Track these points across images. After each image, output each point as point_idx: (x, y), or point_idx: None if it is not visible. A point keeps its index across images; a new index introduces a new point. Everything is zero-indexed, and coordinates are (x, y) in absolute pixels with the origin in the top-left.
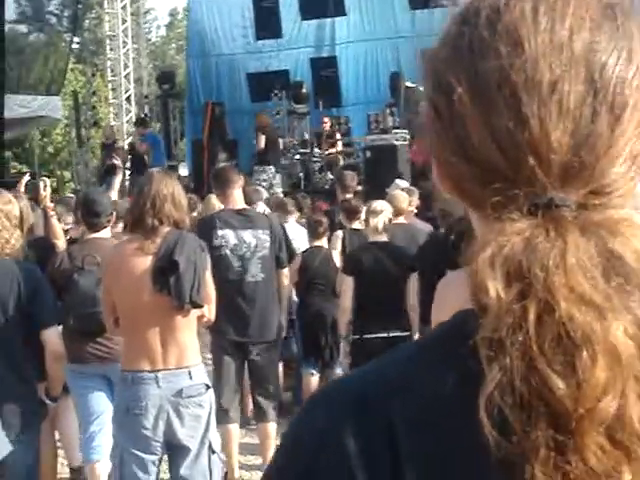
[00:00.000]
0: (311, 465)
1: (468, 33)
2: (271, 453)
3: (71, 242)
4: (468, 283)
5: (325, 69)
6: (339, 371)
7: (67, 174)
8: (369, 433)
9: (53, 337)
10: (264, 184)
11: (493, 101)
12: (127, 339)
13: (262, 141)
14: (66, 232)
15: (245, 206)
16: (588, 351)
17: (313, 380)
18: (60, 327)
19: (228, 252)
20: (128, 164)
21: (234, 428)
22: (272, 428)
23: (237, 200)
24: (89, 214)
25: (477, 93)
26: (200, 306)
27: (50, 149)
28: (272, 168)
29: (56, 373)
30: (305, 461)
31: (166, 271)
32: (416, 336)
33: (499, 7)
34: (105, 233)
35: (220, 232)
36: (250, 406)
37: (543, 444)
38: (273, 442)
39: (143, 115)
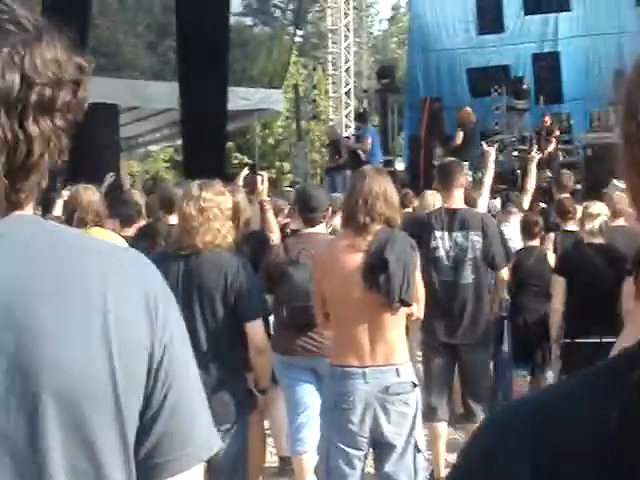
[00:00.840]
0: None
1: None
2: None
3: (288, 235)
4: None
5: (547, 64)
6: (550, 374)
7: (286, 166)
8: (541, 464)
9: (257, 331)
10: None
11: None
12: (336, 334)
13: (460, 137)
14: (285, 225)
15: (462, 206)
16: None
17: (524, 382)
18: (271, 319)
19: (442, 254)
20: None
21: (442, 426)
22: None
23: (456, 200)
24: (306, 209)
25: None
26: (409, 304)
27: (271, 141)
28: (466, 164)
29: (262, 366)
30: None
31: (376, 268)
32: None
33: None
34: (321, 228)
35: (437, 233)
36: (459, 405)
37: None
38: None
39: (362, 110)
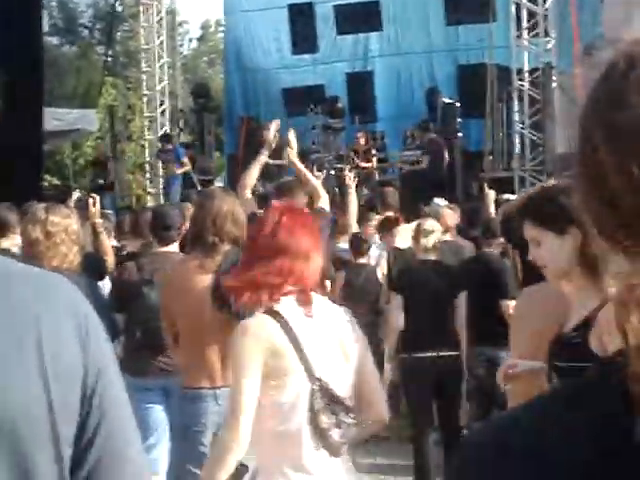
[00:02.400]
0: None
1: (606, 85)
2: None
3: (129, 257)
4: (615, 319)
5: (360, 84)
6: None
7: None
8: None
9: None
10: None
11: (629, 150)
12: (187, 355)
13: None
14: (121, 248)
15: None
16: None
17: None
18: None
19: None
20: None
21: None
22: None
23: None
24: (160, 228)
25: (613, 142)
26: None
27: (81, 161)
28: None
29: None
30: None
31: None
32: (464, 356)
33: (633, 58)
34: (174, 247)
35: None
36: None
37: None
38: None
39: (178, 129)
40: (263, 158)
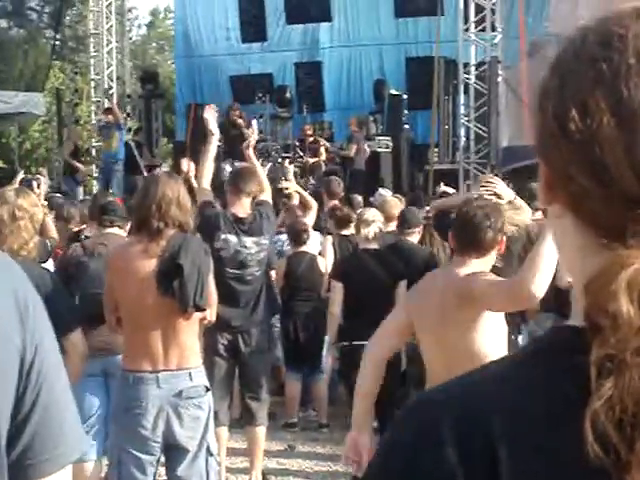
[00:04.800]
0: (411, 461)
1: (614, 58)
2: (259, 456)
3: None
4: (583, 299)
5: (309, 74)
6: (323, 377)
7: (43, 171)
8: (471, 448)
9: (79, 339)
10: None
11: (637, 130)
12: (129, 339)
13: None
14: (79, 232)
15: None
16: None
17: (295, 385)
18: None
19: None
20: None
21: (223, 431)
22: (261, 432)
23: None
24: (103, 213)
25: (622, 119)
26: (203, 309)
27: (27, 145)
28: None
29: (80, 371)
30: (405, 458)
31: (170, 274)
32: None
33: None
34: (118, 230)
35: (223, 236)
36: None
37: None
38: (262, 445)
39: (125, 115)
40: (213, 147)
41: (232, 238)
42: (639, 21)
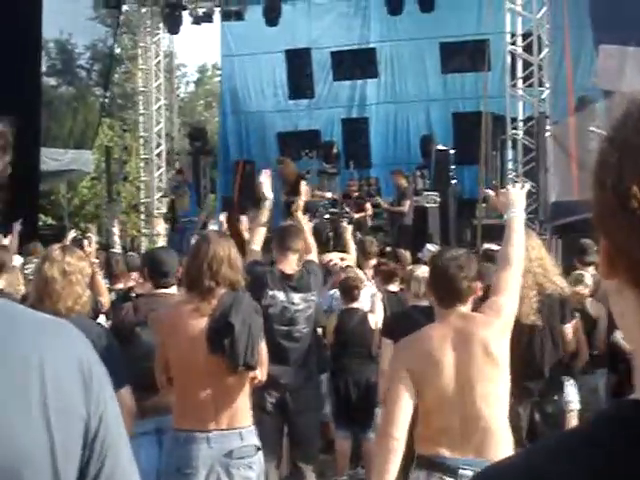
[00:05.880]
0: None
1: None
2: None
3: (128, 297)
4: None
5: (356, 130)
6: (372, 436)
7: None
8: None
9: (128, 395)
10: None
11: None
12: (180, 398)
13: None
14: (130, 289)
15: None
16: None
17: (345, 443)
18: None
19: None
20: None
21: None
22: None
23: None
24: (157, 274)
25: None
26: (254, 368)
27: (76, 202)
28: None
29: (129, 428)
30: None
31: (221, 333)
32: None
33: None
34: (172, 290)
35: (270, 292)
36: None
37: None
38: None
39: (175, 171)
40: (266, 211)
41: (280, 295)
42: None
